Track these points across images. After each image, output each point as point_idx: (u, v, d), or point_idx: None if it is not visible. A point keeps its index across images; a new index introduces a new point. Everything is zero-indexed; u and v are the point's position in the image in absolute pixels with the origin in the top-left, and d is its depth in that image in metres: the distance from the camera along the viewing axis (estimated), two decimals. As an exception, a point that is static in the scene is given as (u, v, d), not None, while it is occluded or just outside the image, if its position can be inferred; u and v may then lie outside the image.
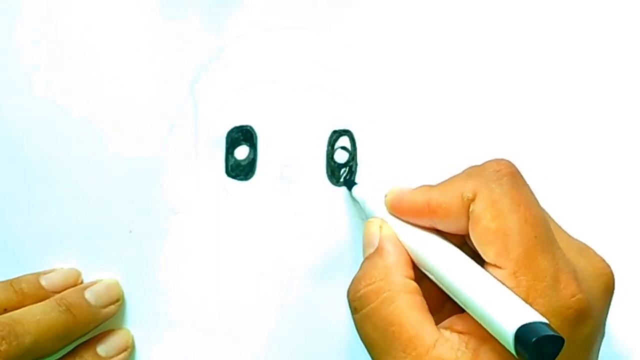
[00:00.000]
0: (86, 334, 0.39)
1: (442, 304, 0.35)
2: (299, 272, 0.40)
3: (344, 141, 0.41)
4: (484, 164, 0.33)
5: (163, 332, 0.41)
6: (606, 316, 0.33)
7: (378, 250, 0.34)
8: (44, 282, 0.39)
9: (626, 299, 0.39)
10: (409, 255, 0.34)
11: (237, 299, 0.40)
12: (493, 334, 0.29)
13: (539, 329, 0.28)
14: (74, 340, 0.38)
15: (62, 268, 0.40)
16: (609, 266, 0.33)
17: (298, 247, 0.40)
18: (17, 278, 0.39)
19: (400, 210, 0.35)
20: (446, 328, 0.31)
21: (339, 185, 0.41)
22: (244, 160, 0.41)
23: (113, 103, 0.41)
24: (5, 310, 0.37)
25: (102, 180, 0.41)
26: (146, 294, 0.41)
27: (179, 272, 0.41)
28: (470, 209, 0.32)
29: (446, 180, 0.34)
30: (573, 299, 0.30)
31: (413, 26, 0.41)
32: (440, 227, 0.34)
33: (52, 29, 0.41)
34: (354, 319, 0.33)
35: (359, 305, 0.33)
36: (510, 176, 0.32)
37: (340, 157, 0.41)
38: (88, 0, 0.41)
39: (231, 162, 0.41)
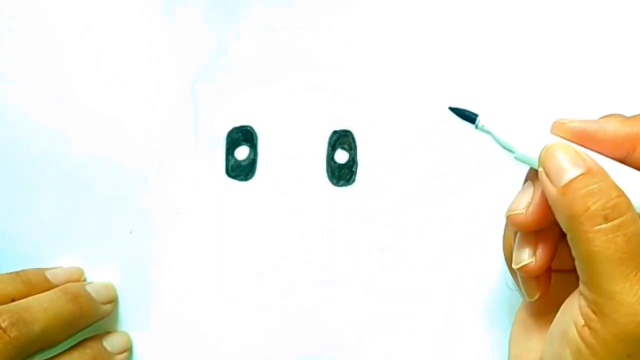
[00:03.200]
0: (88, 327, 0.39)
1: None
2: (299, 272, 0.40)
3: (344, 141, 0.41)
4: None
5: (162, 332, 0.41)
6: None
7: (597, 170, 0.31)
8: (49, 276, 0.39)
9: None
10: None
11: (237, 298, 0.40)
12: None
13: None
14: (78, 332, 0.39)
15: (62, 267, 0.41)
16: None
17: (298, 247, 0.40)
18: (24, 270, 0.39)
19: (594, 138, 0.32)
20: None
21: (339, 186, 0.41)
22: (244, 160, 0.41)
23: (113, 103, 0.41)
24: (13, 301, 0.37)
25: (102, 180, 0.41)
26: (146, 293, 0.41)
27: (179, 272, 0.41)
28: None
29: None
30: None
31: (413, 26, 0.41)
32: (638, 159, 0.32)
33: (52, 28, 0.41)
34: (594, 231, 0.30)
35: (612, 214, 0.30)
36: None
37: (340, 157, 0.41)
38: (88, 1, 0.41)
39: (231, 163, 0.41)
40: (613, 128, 0.32)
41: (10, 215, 0.41)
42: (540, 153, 0.32)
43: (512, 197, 0.40)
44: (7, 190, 0.41)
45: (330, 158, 0.41)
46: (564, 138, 0.33)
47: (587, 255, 0.30)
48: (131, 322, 0.41)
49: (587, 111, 0.40)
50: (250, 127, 0.41)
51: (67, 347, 0.39)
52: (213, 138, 0.41)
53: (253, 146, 0.41)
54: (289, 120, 0.41)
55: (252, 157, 0.41)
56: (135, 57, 0.41)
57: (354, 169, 0.41)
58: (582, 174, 0.31)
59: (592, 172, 0.31)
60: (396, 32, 0.41)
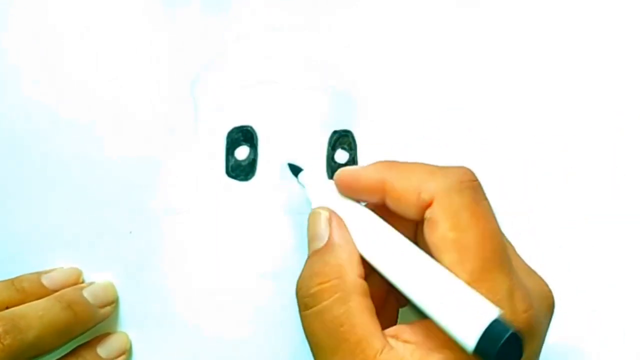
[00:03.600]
0: (84, 332, 0.39)
1: (383, 299, 0.35)
2: (299, 273, 0.40)
3: (344, 141, 0.41)
4: (447, 168, 0.32)
5: (162, 332, 0.41)
6: (546, 336, 0.33)
7: (328, 246, 0.33)
8: (45, 281, 0.39)
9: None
10: (358, 251, 0.33)
11: (237, 299, 0.40)
12: (454, 335, 0.29)
13: (499, 333, 0.28)
14: (74, 339, 0.38)
15: (63, 267, 0.40)
16: (550, 290, 0.33)
17: (298, 248, 0.40)
18: (19, 277, 0.39)
19: (352, 187, 0.34)
20: (392, 336, 0.31)
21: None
22: (244, 160, 0.41)
23: (113, 103, 0.41)
24: (7, 309, 0.37)
25: (102, 180, 0.41)
26: (146, 294, 0.41)
27: (179, 273, 0.41)
28: (427, 214, 0.31)
29: (405, 165, 0.33)
30: (525, 314, 0.30)
31: (413, 26, 0.41)
32: (391, 207, 0.33)
33: (51, 28, 0.41)
34: (302, 316, 0.33)
35: (311, 302, 0.32)
36: (472, 189, 0.31)
37: (340, 157, 0.41)
38: (88, 1, 0.41)
39: (231, 163, 0.41)
40: (365, 175, 0.33)
41: (8, 216, 0.41)
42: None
43: (511, 197, 0.41)
44: (6, 191, 0.41)
45: (330, 158, 0.41)
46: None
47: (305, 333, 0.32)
48: (131, 323, 0.41)
49: (585, 112, 0.41)
50: (250, 127, 0.41)
51: (62, 354, 0.39)
52: (213, 138, 0.41)
53: (253, 146, 0.41)
54: (289, 120, 0.41)
55: (252, 157, 0.41)
56: (135, 57, 0.41)
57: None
58: (316, 251, 0.34)
59: (329, 248, 0.33)
60: (396, 32, 0.41)
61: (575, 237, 0.40)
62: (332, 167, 0.41)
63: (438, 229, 0.31)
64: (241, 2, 0.41)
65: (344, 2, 0.41)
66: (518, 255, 0.34)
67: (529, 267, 0.33)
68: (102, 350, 0.40)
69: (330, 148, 0.41)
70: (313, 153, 0.41)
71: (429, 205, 0.31)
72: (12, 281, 0.39)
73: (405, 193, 0.32)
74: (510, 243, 0.34)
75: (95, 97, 0.41)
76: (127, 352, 0.41)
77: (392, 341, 0.31)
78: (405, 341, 0.31)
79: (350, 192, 0.35)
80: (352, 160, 0.41)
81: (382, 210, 0.34)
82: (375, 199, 0.33)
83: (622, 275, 0.40)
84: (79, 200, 0.41)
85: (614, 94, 0.41)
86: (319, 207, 0.35)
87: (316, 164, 0.40)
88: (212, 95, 0.41)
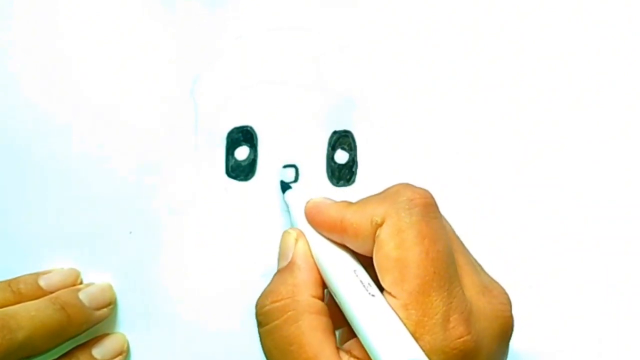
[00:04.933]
0: (79, 334, 0.39)
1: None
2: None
3: (344, 141, 0.41)
4: (400, 191, 0.33)
5: (162, 333, 0.41)
6: (502, 358, 0.33)
7: (289, 266, 0.34)
8: (42, 282, 0.39)
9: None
10: (318, 273, 0.34)
11: (238, 300, 0.40)
12: None
13: None
14: (67, 341, 0.38)
15: (62, 268, 0.40)
16: (508, 309, 0.33)
17: (298, 248, 0.40)
18: (16, 278, 0.39)
19: (315, 222, 0.35)
20: (346, 351, 0.32)
21: (339, 186, 0.41)
22: (244, 160, 0.41)
23: (113, 104, 0.41)
24: None
25: (102, 180, 0.40)
26: (145, 294, 0.40)
27: (179, 273, 0.40)
28: (377, 234, 0.32)
29: (362, 200, 0.34)
30: (459, 340, 0.30)
31: (413, 26, 0.41)
32: (350, 245, 0.34)
33: (50, 29, 0.41)
34: (258, 332, 0.33)
35: (264, 320, 0.33)
36: (422, 207, 0.32)
37: (340, 157, 0.41)
38: (88, 1, 0.41)
39: (231, 163, 0.41)
40: (327, 212, 0.35)
41: (8, 216, 0.41)
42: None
43: (509, 198, 0.41)
44: (6, 191, 0.41)
45: (330, 158, 0.41)
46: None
47: None
48: (130, 323, 0.41)
49: (584, 112, 0.41)
50: (251, 127, 0.41)
51: (57, 354, 0.39)
52: (213, 138, 0.41)
53: (253, 146, 0.41)
54: (289, 121, 0.41)
55: (252, 157, 0.41)
56: (135, 57, 0.41)
57: (354, 169, 0.41)
58: (279, 270, 0.35)
59: (290, 267, 0.34)
60: (396, 32, 0.41)
61: (574, 238, 0.40)
62: (332, 167, 0.41)
63: (383, 248, 0.31)
64: (241, 2, 0.41)
65: (344, 2, 0.41)
66: (476, 272, 0.33)
67: (487, 284, 0.33)
68: (97, 351, 0.39)
69: (330, 148, 0.41)
70: (313, 153, 0.41)
71: (380, 226, 0.32)
72: (8, 283, 0.39)
73: (360, 225, 0.33)
74: (469, 259, 0.34)
75: (95, 97, 0.41)
76: (125, 353, 0.40)
77: (344, 357, 0.31)
78: (356, 357, 0.31)
79: (313, 224, 0.35)
80: (352, 161, 0.41)
81: None
82: (335, 237, 0.34)
83: (621, 276, 0.40)
84: (78, 200, 0.41)
85: (613, 94, 0.41)
86: (291, 228, 0.36)
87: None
88: (212, 95, 0.41)
